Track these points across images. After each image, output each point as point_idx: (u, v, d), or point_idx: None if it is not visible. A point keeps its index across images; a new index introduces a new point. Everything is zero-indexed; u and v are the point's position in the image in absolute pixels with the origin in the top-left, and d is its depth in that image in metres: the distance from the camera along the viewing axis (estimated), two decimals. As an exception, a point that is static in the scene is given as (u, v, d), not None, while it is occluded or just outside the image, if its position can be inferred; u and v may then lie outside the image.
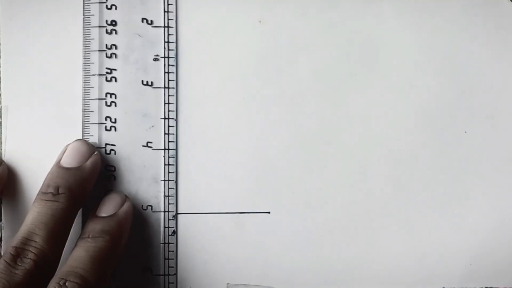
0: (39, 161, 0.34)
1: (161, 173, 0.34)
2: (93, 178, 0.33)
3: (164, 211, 0.34)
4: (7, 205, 0.34)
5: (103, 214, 0.32)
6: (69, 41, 0.34)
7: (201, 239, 0.34)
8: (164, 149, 0.34)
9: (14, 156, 0.34)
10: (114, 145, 0.34)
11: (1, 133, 0.34)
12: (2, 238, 0.34)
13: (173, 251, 0.34)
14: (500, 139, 0.35)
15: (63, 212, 0.31)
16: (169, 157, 0.34)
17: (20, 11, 0.34)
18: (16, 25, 0.34)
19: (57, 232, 0.30)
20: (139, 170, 0.34)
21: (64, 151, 0.33)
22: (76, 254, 0.30)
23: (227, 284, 0.34)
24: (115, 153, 0.34)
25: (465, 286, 0.35)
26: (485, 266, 0.35)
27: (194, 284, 0.34)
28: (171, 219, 0.34)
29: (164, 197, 0.34)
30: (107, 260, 0.31)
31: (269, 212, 0.35)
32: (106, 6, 0.34)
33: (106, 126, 0.34)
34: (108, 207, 0.33)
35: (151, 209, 0.34)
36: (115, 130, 0.34)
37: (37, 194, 0.31)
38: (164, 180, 0.34)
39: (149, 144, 0.34)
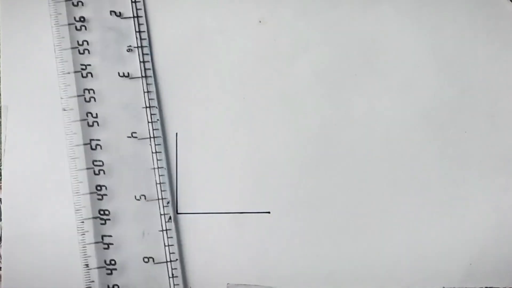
0: (39, 161, 0.34)
1: (150, 161, 0.34)
2: None
3: (158, 199, 0.34)
4: (7, 205, 0.34)
5: None
6: (69, 41, 0.34)
7: (201, 239, 0.34)
8: (150, 137, 0.34)
9: (14, 156, 0.34)
10: (99, 139, 0.34)
11: (1, 133, 0.34)
12: (2, 238, 0.34)
13: (172, 237, 0.34)
14: (501, 139, 0.35)
15: None
16: (155, 144, 0.34)
17: (20, 11, 0.34)
18: (16, 25, 0.34)
19: None
20: (127, 161, 0.34)
21: None
22: None
23: (227, 284, 0.34)
24: (101, 148, 0.34)
25: (465, 286, 0.35)
26: (485, 266, 0.35)
27: (194, 284, 0.34)
28: (166, 206, 0.34)
29: (156, 184, 0.34)
30: None
31: (269, 212, 0.35)
32: (73, 3, 0.34)
33: (88, 122, 0.34)
34: None
35: (145, 198, 0.34)
36: (98, 125, 0.34)
37: None
38: (154, 168, 0.34)
39: (134, 135, 0.34)
